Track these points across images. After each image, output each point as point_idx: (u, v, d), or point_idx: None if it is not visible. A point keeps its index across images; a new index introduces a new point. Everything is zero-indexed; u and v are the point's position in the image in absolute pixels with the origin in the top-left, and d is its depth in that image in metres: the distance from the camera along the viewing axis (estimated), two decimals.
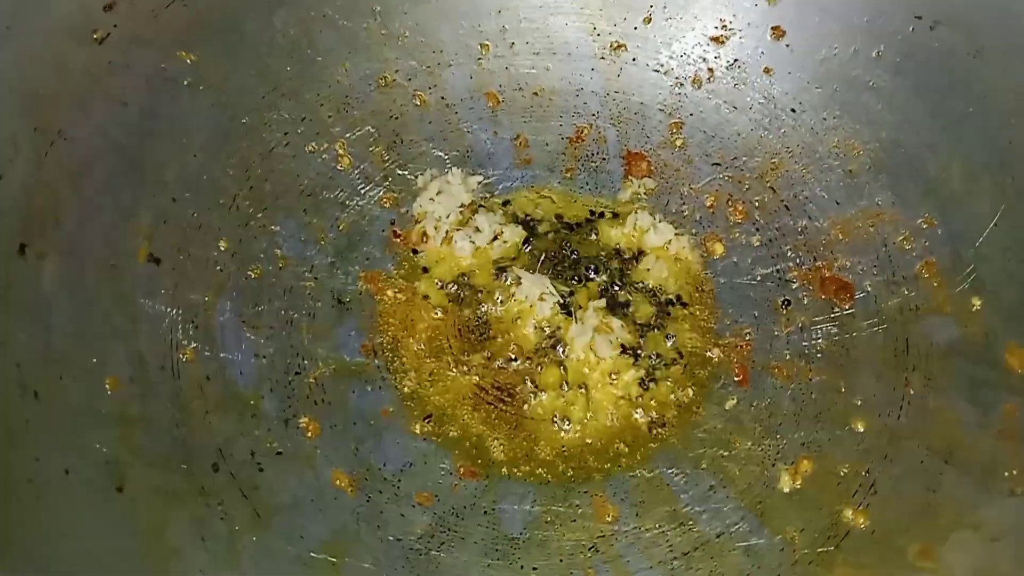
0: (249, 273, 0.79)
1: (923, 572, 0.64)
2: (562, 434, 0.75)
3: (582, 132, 0.89)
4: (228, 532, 0.67)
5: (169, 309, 0.75)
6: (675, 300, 0.81)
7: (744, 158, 0.86)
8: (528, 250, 0.83)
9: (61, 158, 0.73)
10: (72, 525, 0.61)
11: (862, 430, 0.73)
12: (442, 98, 0.89)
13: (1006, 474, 0.66)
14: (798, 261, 0.82)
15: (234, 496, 0.69)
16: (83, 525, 0.62)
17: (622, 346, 0.77)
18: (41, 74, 0.73)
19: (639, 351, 0.78)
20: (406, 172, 0.87)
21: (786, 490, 0.72)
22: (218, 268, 0.79)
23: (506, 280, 0.80)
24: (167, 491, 0.67)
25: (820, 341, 0.78)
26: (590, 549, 0.71)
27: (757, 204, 0.85)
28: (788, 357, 0.78)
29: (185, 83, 0.80)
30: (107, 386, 0.69)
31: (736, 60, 0.88)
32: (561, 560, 0.70)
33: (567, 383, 0.76)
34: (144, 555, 0.63)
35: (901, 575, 0.65)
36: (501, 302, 0.79)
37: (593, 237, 0.83)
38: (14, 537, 0.58)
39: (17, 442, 0.63)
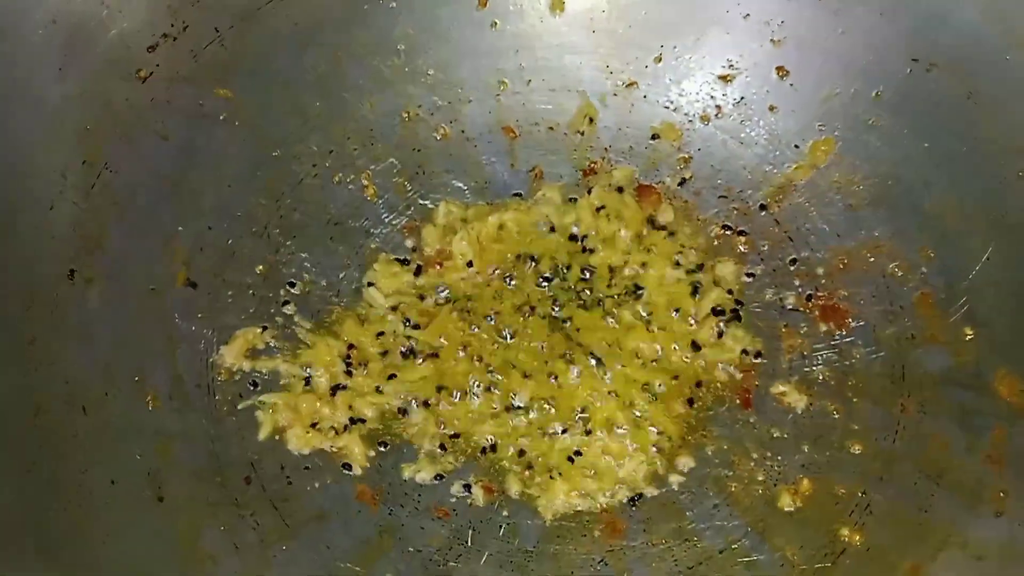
0: (279, 298, 0.84)
1: None
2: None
3: (595, 165, 0.93)
4: (259, 541, 0.72)
5: (205, 331, 0.80)
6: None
7: (750, 191, 0.90)
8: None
9: (107, 189, 0.78)
10: (117, 532, 0.66)
11: (859, 453, 0.77)
12: (462, 132, 0.93)
13: (994, 496, 0.70)
14: (800, 290, 0.86)
15: (265, 507, 0.74)
16: (127, 532, 0.67)
17: None
18: (89, 110, 0.78)
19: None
20: (427, 202, 0.91)
21: (786, 509, 0.76)
22: (251, 292, 0.83)
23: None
24: (203, 501, 0.72)
25: (820, 367, 0.82)
26: (600, 562, 0.75)
27: (761, 235, 0.89)
28: (790, 382, 0.82)
29: (221, 118, 0.85)
30: (148, 402, 0.74)
31: (742, 98, 0.92)
32: (572, 573, 0.75)
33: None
34: (182, 561, 0.68)
35: None
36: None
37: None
38: (64, 543, 0.63)
39: (66, 454, 0.67)
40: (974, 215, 0.81)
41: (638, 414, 0.81)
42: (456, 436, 0.80)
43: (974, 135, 0.81)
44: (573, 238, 0.89)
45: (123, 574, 0.65)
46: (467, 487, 0.78)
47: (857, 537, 0.73)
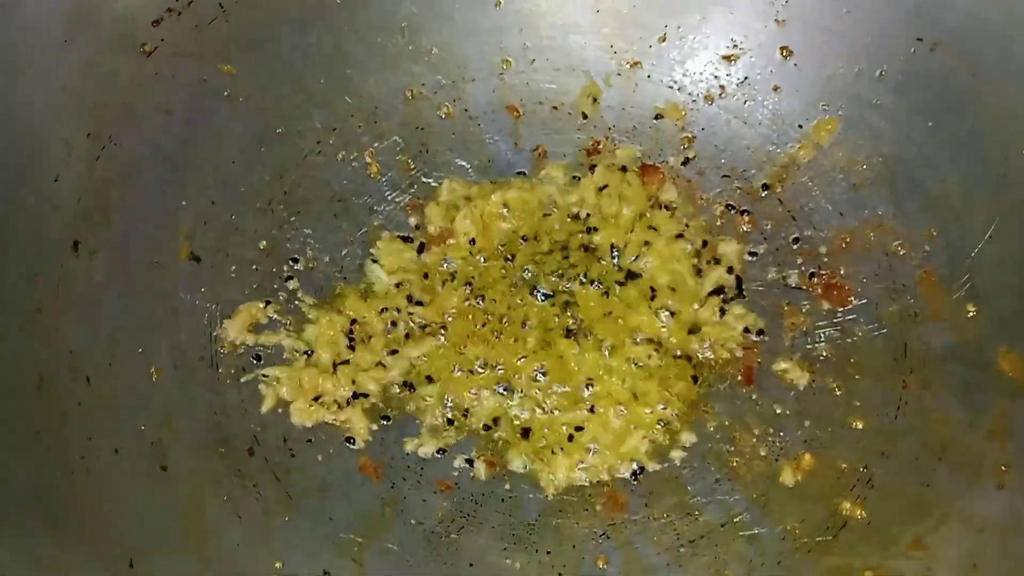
0: (283, 273, 0.84)
1: (914, 560, 0.68)
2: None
3: (599, 144, 0.93)
4: (262, 511, 0.72)
5: (208, 304, 0.80)
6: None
7: (753, 171, 0.91)
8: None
9: (111, 162, 0.78)
10: (121, 498, 0.66)
11: (861, 428, 0.78)
12: (466, 110, 0.93)
13: (996, 470, 0.70)
14: (803, 269, 0.86)
15: (268, 479, 0.74)
16: (131, 500, 0.67)
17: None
18: (94, 84, 0.78)
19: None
20: (431, 180, 0.91)
21: (788, 484, 0.76)
22: (254, 267, 0.84)
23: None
24: (206, 472, 0.72)
25: (823, 345, 0.82)
26: (601, 536, 0.75)
27: (765, 214, 0.89)
28: (792, 360, 0.82)
29: (225, 94, 0.86)
30: (152, 374, 0.74)
31: (746, 78, 0.92)
32: (574, 546, 0.75)
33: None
34: (185, 529, 0.68)
35: (893, 563, 0.69)
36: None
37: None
38: (69, 509, 0.63)
39: (71, 421, 0.68)
40: (977, 193, 0.81)
41: (639, 391, 0.81)
42: (459, 412, 0.80)
43: (977, 114, 0.81)
44: (576, 217, 0.89)
45: (127, 540, 0.65)
46: (469, 461, 0.78)
47: (858, 511, 0.73)
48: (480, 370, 0.82)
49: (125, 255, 0.77)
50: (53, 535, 0.62)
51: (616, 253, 0.87)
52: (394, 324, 0.84)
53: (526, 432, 0.79)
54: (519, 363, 0.82)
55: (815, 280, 0.85)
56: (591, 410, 0.80)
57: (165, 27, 0.82)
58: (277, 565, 0.70)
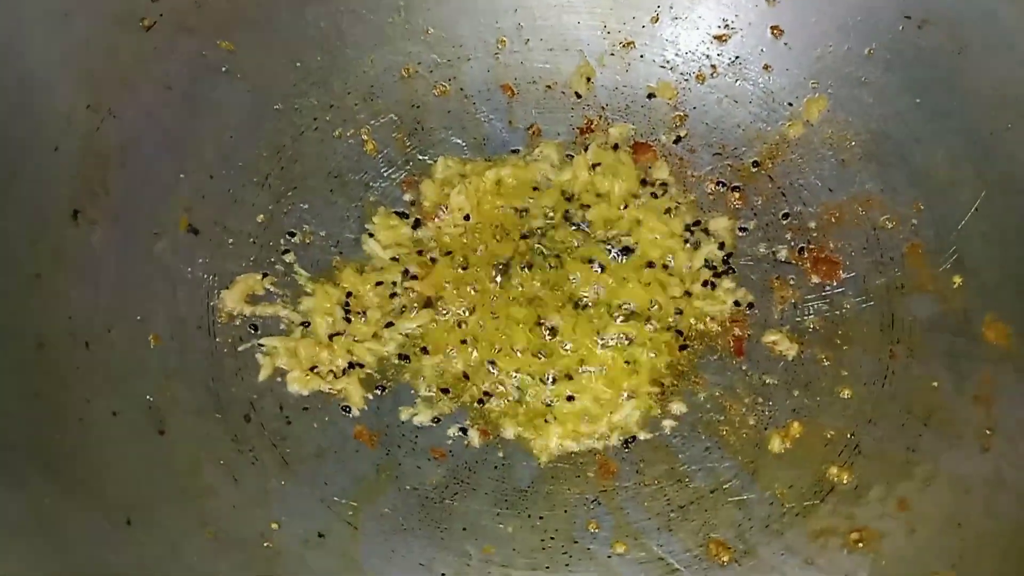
0: (280, 246, 0.85)
1: (900, 519, 0.69)
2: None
3: (592, 123, 0.94)
4: (258, 475, 0.73)
5: (206, 276, 0.81)
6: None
7: (744, 148, 0.92)
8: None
9: (110, 134, 0.79)
10: (118, 460, 0.68)
11: (848, 397, 0.79)
12: (461, 89, 0.94)
13: (980, 434, 0.71)
14: (792, 243, 0.87)
15: (264, 444, 0.75)
16: (127, 460, 0.68)
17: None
18: (94, 57, 0.79)
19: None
20: (426, 157, 0.92)
21: (776, 451, 0.78)
22: (252, 240, 0.85)
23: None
24: (203, 436, 0.73)
25: (811, 317, 0.84)
26: (593, 502, 0.76)
27: (755, 191, 0.90)
28: (781, 331, 0.83)
29: (223, 70, 0.87)
30: (150, 341, 0.75)
31: (737, 57, 0.93)
32: (566, 511, 0.76)
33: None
34: (182, 490, 0.69)
35: (879, 523, 0.70)
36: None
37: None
38: (67, 464, 0.65)
39: (69, 384, 0.69)
40: (963, 167, 0.82)
41: (631, 362, 0.82)
42: (454, 382, 0.81)
43: (964, 89, 0.83)
44: (568, 195, 0.90)
45: (124, 497, 0.67)
46: (463, 430, 0.80)
47: (845, 476, 0.75)
48: (474, 342, 0.83)
49: (124, 225, 0.78)
50: (53, 486, 0.63)
51: (609, 229, 0.88)
52: (392, 296, 0.85)
53: (518, 402, 0.81)
54: (512, 335, 0.83)
55: (804, 254, 0.87)
56: (583, 381, 0.81)
57: (165, 2, 0.83)
58: (273, 526, 0.71)
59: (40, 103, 0.75)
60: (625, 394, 0.81)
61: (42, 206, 0.74)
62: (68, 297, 0.73)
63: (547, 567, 0.74)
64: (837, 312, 0.83)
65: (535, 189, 0.90)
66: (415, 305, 0.85)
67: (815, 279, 0.85)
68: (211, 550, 0.68)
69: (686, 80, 0.94)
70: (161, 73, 0.83)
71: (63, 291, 0.72)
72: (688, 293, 0.86)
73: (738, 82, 0.93)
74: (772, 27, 0.91)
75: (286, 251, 0.86)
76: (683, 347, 0.83)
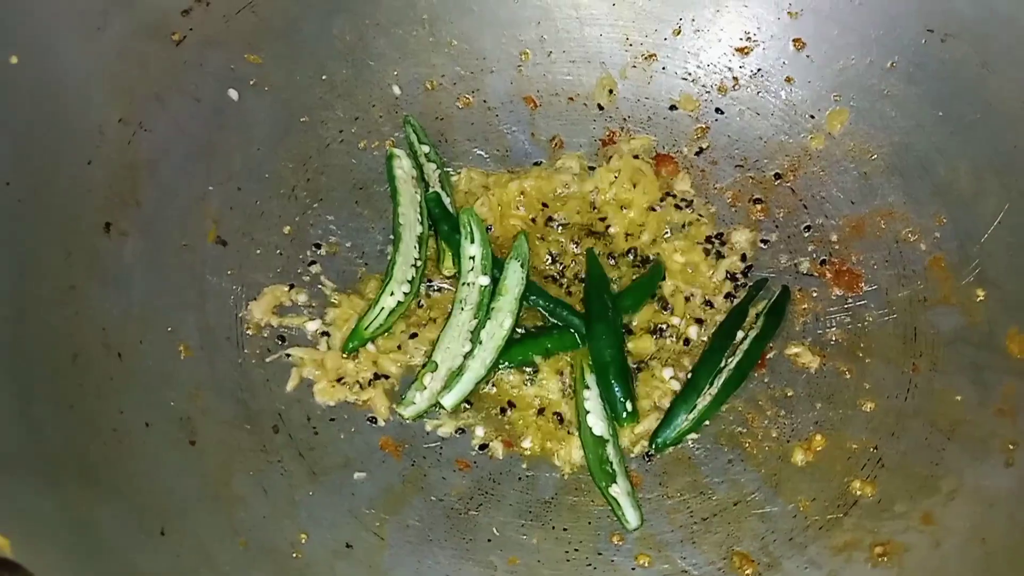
0: (306, 258, 0.86)
1: (924, 533, 0.69)
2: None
3: (614, 135, 0.95)
4: (287, 486, 0.74)
5: (234, 287, 0.83)
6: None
7: (765, 160, 0.92)
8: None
9: (142, 147, 0.80)
10: (152, 468, 0.69)
11: (871, 410, 0.79)
12: (484, 101, 0.95)
13: (1004, 447, 0.72)
14: (814, 256, 0.88)
15: (292, 455, 0.76)
16: (161, 469, 0.69)
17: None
18: (126, 71, 0.80)
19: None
20: (449, 169, 0.93)
21: (799, 464, 0.78)
22: (279, 252, 0.86)
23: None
24: (233, 447, 0.74)
25: (834, 330, 0.84)
26: None
27: (777, 203, 0.91)
28: (803, 344, 0.84)
29: (251, 83, 0.88)
30: (180, 351, 0.77)
31: (759, 69, 0.94)
32: (590, 522, 0.77)
33: None
34: (213, 498, 0.70)
35: (903, 537, 0.70)
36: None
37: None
38: (103, 472, 0.66)
39: (103, 394, 0.70)
40: (987, 180, 0.82)
41: (653, 375, 0.83)
42: (477, 393, 0.82)
43: (987, 102, 0.83)
44: (591, 206, 0.91)
45: (158, 504, 0.68)
46: (484, 446, 0.80)
47: (869, 489, 0.75)
48: None
49: (154, 237, 0.79)
50: (89, 495, 0.65)
51: (630, 241, 0.89)
52: (418, 307, 0.86)
53: (541, 412, 0.81)
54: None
55: (826, 267, 0.87)
56: None
57: (194, 16, 0.84)
58: (302, 537, 0.72)
59: (74, 117, 0.77)
60: (647, 405, 0.82)
61: (76, 218, 0.75)
62: (102, 308, 0.74)
63: None
64: (859, 325, 0.84)
65: (559, 193, 0.91)
66: (439, 316, 0.85)
67: (837, 292, 0.86)
68: (244, 560, 0.69)
69: (708, 92, 0.95)
70: (191, 86, 0.84)
71: (96, 302, 0.74)
72: (710, 304, 0.86)
73: (760, 94, 0.94)
74: (794, 40, 0.92)
75: (312, 262, 0.87)
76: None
